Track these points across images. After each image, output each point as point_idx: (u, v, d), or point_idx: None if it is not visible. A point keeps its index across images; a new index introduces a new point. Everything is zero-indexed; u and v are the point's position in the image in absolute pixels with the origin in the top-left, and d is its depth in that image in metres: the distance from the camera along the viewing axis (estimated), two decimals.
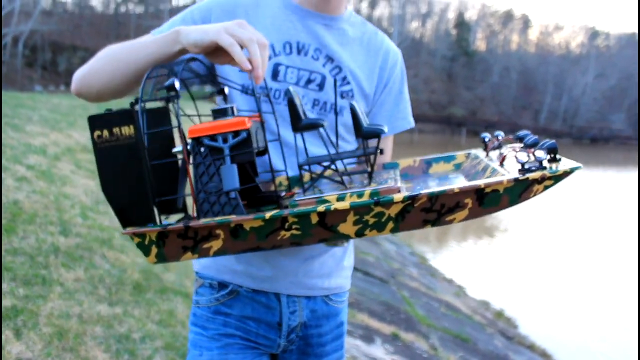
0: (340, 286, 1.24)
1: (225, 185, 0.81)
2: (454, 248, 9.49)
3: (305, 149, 0.95)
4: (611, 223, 11.97)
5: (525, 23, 63.84)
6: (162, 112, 0.90)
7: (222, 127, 0.83)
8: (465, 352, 4.23)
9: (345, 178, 0.98)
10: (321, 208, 0.76)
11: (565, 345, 5.43)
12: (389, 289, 5.41)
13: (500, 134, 0.98)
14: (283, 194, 0.92)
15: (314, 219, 0.77)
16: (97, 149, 0.82)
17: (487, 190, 0.74)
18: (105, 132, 0.80)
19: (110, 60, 0.99)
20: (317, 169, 1.05)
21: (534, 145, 0.81)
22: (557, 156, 0.77)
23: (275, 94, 1.09)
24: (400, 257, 7.59)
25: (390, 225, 0.78)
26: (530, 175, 0.73)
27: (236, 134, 0.82)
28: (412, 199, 0.75)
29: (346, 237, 0.80)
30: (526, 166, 0.74)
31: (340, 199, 0.81)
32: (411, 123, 1.22)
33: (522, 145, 0.85)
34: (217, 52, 0.90)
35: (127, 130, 0.80)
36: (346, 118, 1.12)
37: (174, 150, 0.88)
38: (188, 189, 0.87)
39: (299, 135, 1.05)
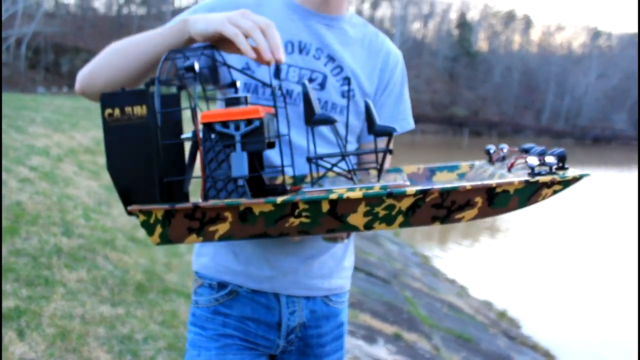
0: (341, 287, 1.23)
1: (234, 172, 0.81)
2: (456, 248, 9.48)
3: (315, 144, 0.95)
4: (613, 224, 11.94)
5: (527, 23, 63.77)
6: (172, 98, 0.89)
7: (235, 114, 0.82)
8: (468, 352, 4.23)
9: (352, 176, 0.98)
10: (334, 195, 0.76)
11: (568, 345, 5.42)
12: (392, 289, 5.41)
13: (505, 147, 0.99)
14: (289, 187, 0.91)
15: (325, 207, 0.77)
16: (106, 127, 0.81)
17: (498, 190, 0.75)
18: (117, 111, 0.80)
19: (116, 54, 0.99)
20: (321, 170, 1.05)
21: (542, 154, 0.82)
22: (566, 165, 0.79)
23: (276, 92, 1.10)
24: (403, 258, 7.58)
25: (400, 219, 0.78)
26: (541, 178, 0.75)
27: (249, 122, 0.82)
28: (424, 193, 0.75)
29: (354, 229, 0.79)
30: (536, 170, 0.76)
31: (351, 191, 0.81)
32: (411, 124, 1.22)
33: (528, 155, 0.86)
34: (223, 42, 0.90)
35: (140, 110, 0.80)
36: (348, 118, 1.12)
37: (183, 136, 0.87)
38: (195, 176, 0.87)
39: (299, 134, 1.05)
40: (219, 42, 0.91)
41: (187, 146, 0.89)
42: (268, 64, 0.84)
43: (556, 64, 57.18)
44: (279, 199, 0.77)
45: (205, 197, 0.84)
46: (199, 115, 0.84)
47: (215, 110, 0.84)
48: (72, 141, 6.87)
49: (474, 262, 8.52)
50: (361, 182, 0.90)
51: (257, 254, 1.12)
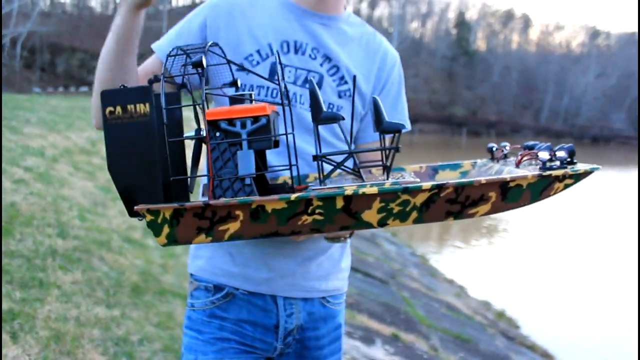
0: (338, 288, 1.23)
1: (240, 170, 0.79)
2: (454, 248, 9.47)
3: (317, 143, 0.92)
4: (612, 223, 11.96)
5: (526, 22, 63.86)
6: (173, 97, 0.87)
7: (241, 111, 0.80)
8: (466, 352, 4.21)
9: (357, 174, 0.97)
10: (349, 191, 0.75)
11: (566, 345, 5.41)
12: (389, 290, 5.39)
13: (507, 145, 1.00)
14: (294, 186, 0.89)
15: (340, 203, 0.76)
16: (107, 125, 0.79)
17: (512, 184, 0.76)
18: (119, 109, 0.78)
19: (99, 71, 1.02)
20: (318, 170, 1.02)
21: (548, 149, 0.83)
22: (574, 159, 0.79)
23: (272, 93, 1.09)
24: (401, 258, 7.57)
25: (414, 215, 0.77)
26: (554, 172, 0.75)
27: (255, 120, 0.80)
28: (439, 188, 0.75)
29: (368, 226, 0.79)
30: (547, 165, 0.77)
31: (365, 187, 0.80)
32: (408, 126, 1.21)
33: (538, 150, 0.87)
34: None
35: (142, 108, 0.77)
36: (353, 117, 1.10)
37: (185, 134, 0.85)
38: (199, 176, 0.84)
39: (296, 135, 1.03)
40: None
41: (186, 145, 0.87)
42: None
43: (555, 64, 57.28)
44: (293, 196, 0.75)
45: (213, 197, 0.81)
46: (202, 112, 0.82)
47: (220, 108, 0.82)
48: (67, 142, 6.83)
49: (472, 262, 8.52)
50: (369, 180, 0.88)
51: (254, 256, 1.11)
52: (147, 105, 0.77)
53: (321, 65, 1.10)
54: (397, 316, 4.53)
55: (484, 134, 45.68)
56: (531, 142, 0.90)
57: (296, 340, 1.17)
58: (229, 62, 0.91)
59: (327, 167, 0.94)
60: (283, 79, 0.84)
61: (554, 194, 0.78)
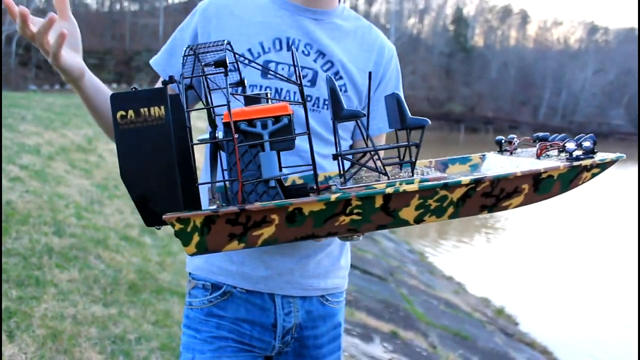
0: (337, 286, 1.21)
1: (264, 173, 0.75)
2: (453, 245, 9.48)
3: (338, 141, 0.89)
4: (611, 220, 11.99)
5: (524, 18, 63.84)
6: (177, 100, 0.84)
7: (262, 111, 0.77)
8: (465, 349, 4.21)
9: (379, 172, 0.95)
10: (389, 190, 0.74)
11: (565, 342, 5.42)
12: (388, 287, 5.39)
13: (514, 137, 1.00)
14: (315, 187, 0.86)
15: (378, 202, 0.75)
16: (118, 130, 0.74)
17: (544, 175, 0.76)
18: (131, 113, 0.74)
19: (94, 119, 1.09)
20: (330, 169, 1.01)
21: (563, 140, 0.85)
22: (595, 149, 0.80)
23: (266, 91, 1.07)
24: (399, 255, 7.57)
25: (450, 210, 0.77)
26: (583, 162, 0.76)
27: (276, 120, 0.77)
28: (477, 182, 0.75)
29: (404, 224, 0.78)
30: (574, 155, 0.78)
31: (390, 186, 0.78)
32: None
33: (557, 142, 0.88)
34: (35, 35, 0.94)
35: (157, 111, 0.74)
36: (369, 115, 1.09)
37: (200, 137, 0.82)
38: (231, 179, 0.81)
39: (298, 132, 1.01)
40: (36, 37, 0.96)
41: (195, 149, 0.83)
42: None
43: (553, 60, 57.30)
44: (333, 197, 0.73)
45: (232, 201, 0.78)
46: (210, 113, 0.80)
47: (240, 109, 0.79)
48: (63, 139, 6.80)
49: (471, 259, 8.52)
50: (394, 177, 0.86)
51: (252, 254, 1.11)
52: (162, 108, 0.74)
53: (315, 61, 1.09)
54: (395, 313, 4.53)
55: (481, 131, 45.72)
56: (542, 134, 0.91)
57: (294, 339, 1.16)
58: (244, 62, 0.88)
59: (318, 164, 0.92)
60: (301, 78, 0.81)
61: (582, 183, 0.79)
